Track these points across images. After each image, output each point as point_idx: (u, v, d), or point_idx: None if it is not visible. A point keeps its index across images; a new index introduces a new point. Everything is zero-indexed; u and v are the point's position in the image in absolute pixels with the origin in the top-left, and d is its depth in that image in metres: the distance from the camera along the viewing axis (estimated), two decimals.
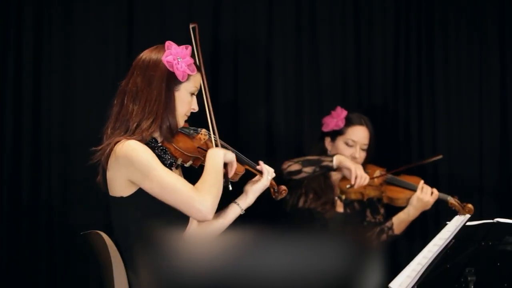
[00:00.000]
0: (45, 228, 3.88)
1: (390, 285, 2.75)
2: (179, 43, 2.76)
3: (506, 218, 2.85)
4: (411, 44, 4.48)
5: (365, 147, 3.82)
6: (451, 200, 3.77)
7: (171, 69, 2.69)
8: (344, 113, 3.84)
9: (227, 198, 2.80)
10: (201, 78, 2.78)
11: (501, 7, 4.52)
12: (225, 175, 2.73)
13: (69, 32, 3.97)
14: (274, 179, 2.91)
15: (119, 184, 2.64)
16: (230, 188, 2.75)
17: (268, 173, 2.85)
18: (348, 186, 3.66)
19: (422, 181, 3.76)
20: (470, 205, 3.77)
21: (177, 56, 2.69)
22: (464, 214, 3.76)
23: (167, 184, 2.59)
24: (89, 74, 3.98)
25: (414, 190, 3.75)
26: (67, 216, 3.90)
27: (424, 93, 4.47)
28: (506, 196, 4.45)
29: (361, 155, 3.80)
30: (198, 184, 2.62)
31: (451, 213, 3.84)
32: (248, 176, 2.89)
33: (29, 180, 3.86)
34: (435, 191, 3.75)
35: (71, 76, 3.97)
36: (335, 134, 3.84)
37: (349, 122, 3.83)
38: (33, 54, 3.90)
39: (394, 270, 2.88)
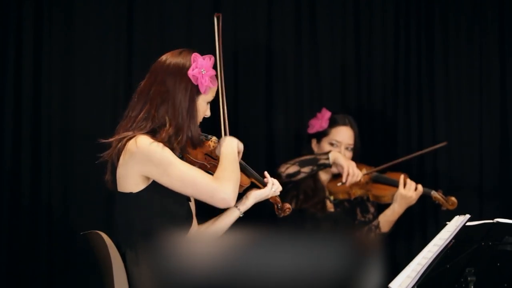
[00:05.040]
0: (45, 228, 3.88)
1: (390, 285, 2.75)
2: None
3: (506, 218, 2.85)
4: (411, 44, 4.47)
5: (350, 146, 3.84)
6: (435, 194, 3.79)
7: (195, 83, 2.74)
8: (328, 114, 3.88)
9: None
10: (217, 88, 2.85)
11: (501, 7, 4.51)
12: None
13: (69, 32, 3.97)
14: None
15: (131, 180, 2.66)
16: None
17: (272, 184, 2.88)
18: (339, 183, 3.68)
19: (402, 176, 3.78)
20: (453, 198, 3.79)
21: (201, 69, 2.74)
22: (448, 208, 3.80)
23: (188, 178, 2.64)
24: (89, 74, 3.98)
25: (397, 186, 3.76)
26: (67, 216, 3.90)
27: (424, 93, 4.47)
28: (506, 196, 4.45)
29: (347, 155, 3.82)
30: (218, 172, 2.69)
31: (443, 212, 3.88)
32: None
33: (29, 180, 3.86)
34: (419, 186, 3.77)
35: (71, 76, 3.97)
36: (320, 135, 3.88)
37: (333, 123, 3.86)
38: (33, 54, 3.89)
39: (394, 270, 2.88)
